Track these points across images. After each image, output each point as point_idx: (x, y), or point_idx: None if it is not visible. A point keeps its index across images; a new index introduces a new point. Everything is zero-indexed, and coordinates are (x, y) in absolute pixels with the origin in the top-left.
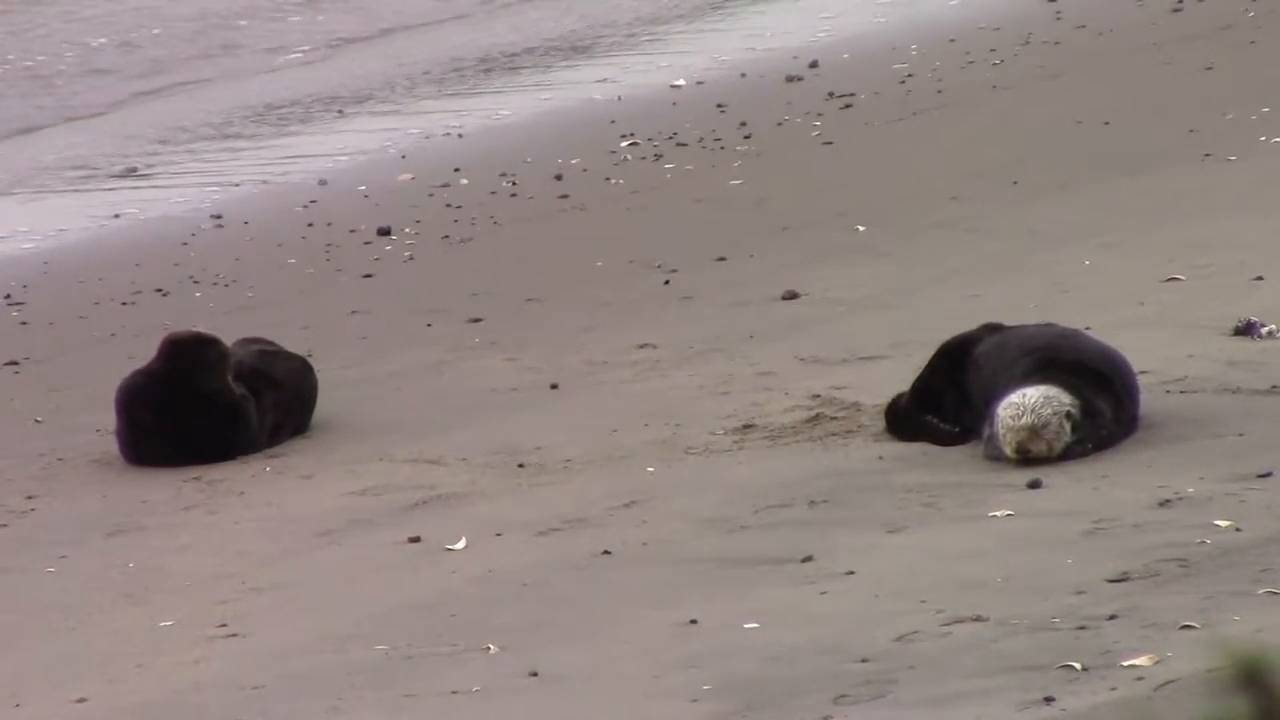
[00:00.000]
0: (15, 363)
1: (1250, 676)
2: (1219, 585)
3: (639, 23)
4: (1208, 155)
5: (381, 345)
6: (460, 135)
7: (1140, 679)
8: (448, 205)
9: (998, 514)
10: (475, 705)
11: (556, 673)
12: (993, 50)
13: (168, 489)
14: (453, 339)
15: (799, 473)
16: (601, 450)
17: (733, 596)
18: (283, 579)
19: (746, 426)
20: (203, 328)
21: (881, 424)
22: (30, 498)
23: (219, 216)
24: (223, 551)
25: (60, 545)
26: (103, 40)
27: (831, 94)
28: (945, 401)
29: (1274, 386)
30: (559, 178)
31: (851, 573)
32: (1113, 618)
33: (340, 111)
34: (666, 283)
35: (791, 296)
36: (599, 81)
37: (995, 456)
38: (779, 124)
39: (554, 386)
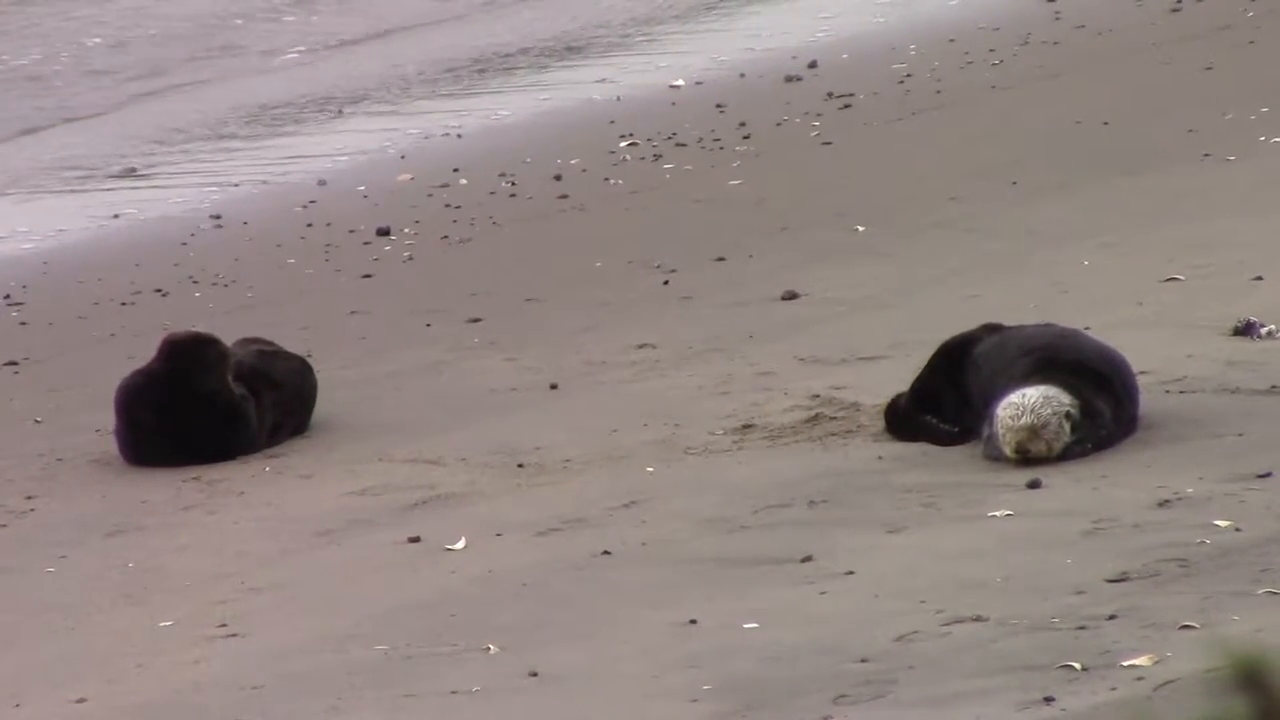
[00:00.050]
0: (15, 363)
1: (1250, 676)
2: (1219, 585)
3: (633, 23)
4: (1207, 155)
5: (381, 345)
6: (459, 135)
7: (1140, 679)
8: (447, 205)
9: (997, 514)
10: (475, 705)
11: (556, 673)
12: (992, 50)
13: (167, 489)
14: (452, 339)
15: (799, 473)
16: (601, 450)
17: (733, 596)
18: (282, 579)
19: (746, 426)
20: (202, 328)
21: (881, 424)
22: (30, 498)
23: (218, 217)
24: (222, 551)
25: (60, 545)
26: (98, 40)
27: (830, 94)
28: (945, 401)
29: (1274, 386)
30: (558, 178)
31: (851, 573)
32: (1112, 618)
33: (339, 111)
34: (666, 283)
35: (791, 296)
36: (598, 82)
37: (995, 456)
38: (778, 124)
39: (553, 386)
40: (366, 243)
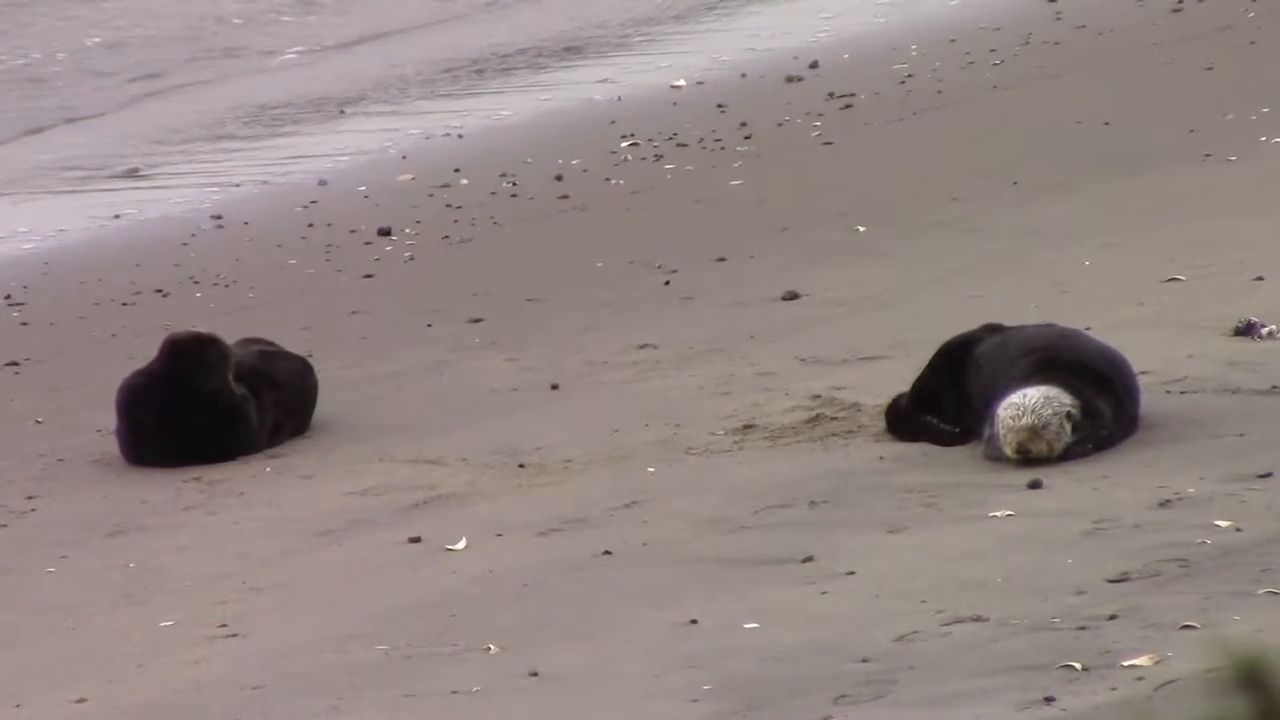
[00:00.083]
0: (15, 363)
1: (1250, 677)
2: (1219, 585)
3: (634, 23)
4: (1208, 155)
5: (381, 345)
6: (460, 136)
7: (1140, 679)
8: (448, 205)
9: (998, 514)
10: (475, 705)
11: (556, 673)
12: (993, 50)
13: (168, 489)
14: (453, 339)
15: (799, 473)
16: (602, 450)
17: (733, 596)
18: (283, 579)
19: (747, 427)
20: (203, 327)
21: (882, 424)
22: (30, 498)
23: (219, 217)
24: (223, 551)
25: (60, 545)
26: (98, 40)
27: (831, 94)
28: (945, 402)
29: (1274, 386)
30: (559, 178)
31: (852, 573)
32: (1113, 618)
33: (340, 111)
34: (667, 283)
35: (792, 297)
36: (599, 82)
37: (995, 457)
38: (779, 124)
39: (554, 387)
40: (367, 243)
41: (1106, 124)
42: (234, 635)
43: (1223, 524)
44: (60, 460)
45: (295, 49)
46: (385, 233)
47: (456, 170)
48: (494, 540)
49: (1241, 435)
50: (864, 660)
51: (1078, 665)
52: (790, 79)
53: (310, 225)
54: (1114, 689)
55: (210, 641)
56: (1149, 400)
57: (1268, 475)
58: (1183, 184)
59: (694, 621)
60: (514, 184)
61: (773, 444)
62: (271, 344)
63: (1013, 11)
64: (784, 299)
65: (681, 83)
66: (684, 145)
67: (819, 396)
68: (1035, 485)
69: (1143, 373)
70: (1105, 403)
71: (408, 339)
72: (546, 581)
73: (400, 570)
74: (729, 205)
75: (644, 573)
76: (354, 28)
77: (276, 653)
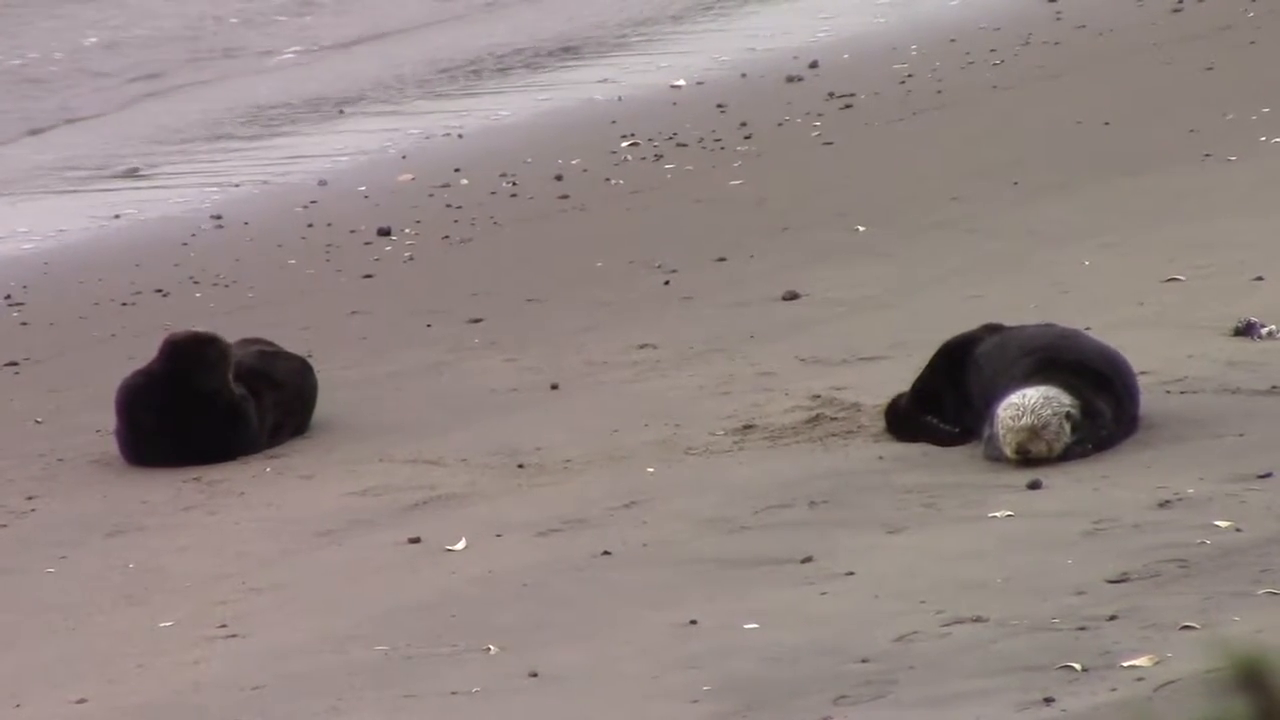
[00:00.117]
0: (15, 363)
1: (1250, 677)
2: (1219, 586)
3: (633, 23)
4: (1208, 155)
5: (381, 345)
6: (460, 136)
7: (1140, 679)
8: (448, 205)
9: (997, 514)
10: (475, 705)
11: (556, 673)
12: (993, 50)
13: (168, 489)
14: (453, 339)
15: (799, 473)
16: (601, 451)
17: (733, 597)
18: (283, 579)
19: (747, 427)
20: (202, 327)
21: (881, 424)
22: (30, 498)
23: (219, 217)
24: (222, 552)
25: (60, 546)
26: (95, 40)
27: (831, 94)
28: (945, 402)
29: (1274, 387)
30: (559, 178)
31: (851, 573)
32: (1113, 618)
33: (340, 111)
34: (667, 283)
35: (792, 297)
36: (599, 82)
37: (995, 457)
38: (779, 124)
39: (554, 387)
40: (367, 243)
41: (1106, 124)
42: (234, 635)
43: (1222, 524)
44: (60, 460)
45: (294, 49)
46: (385, 233)
47: (456, 170)
48: (494, 540)
49: (1241, 435)
50: (864, 661)
51: (1077, 666)
52: (790, 79)
53: (310, 225)
54: (1114, 689)
55: (210, 642)
56: (1149, 400)
57: (1268, 475)
58: (1183, 184)
59: (694, 622)
60: (514, 184)
61: (773, 444)
62: (271, 344)
63: (1013, 11)
64: (784, 299)
65: (681, 83)
66: (684, 145)
67: (819, 396)
68: (1035, 485)
69: (1143, 373)
70: (1105, 403)
71: (407, 339)
72: (546, 582)
73: (400, 571)
74: (729, 205)
75: (644, 573)
76: (353, 28)
77: (276, 653)
